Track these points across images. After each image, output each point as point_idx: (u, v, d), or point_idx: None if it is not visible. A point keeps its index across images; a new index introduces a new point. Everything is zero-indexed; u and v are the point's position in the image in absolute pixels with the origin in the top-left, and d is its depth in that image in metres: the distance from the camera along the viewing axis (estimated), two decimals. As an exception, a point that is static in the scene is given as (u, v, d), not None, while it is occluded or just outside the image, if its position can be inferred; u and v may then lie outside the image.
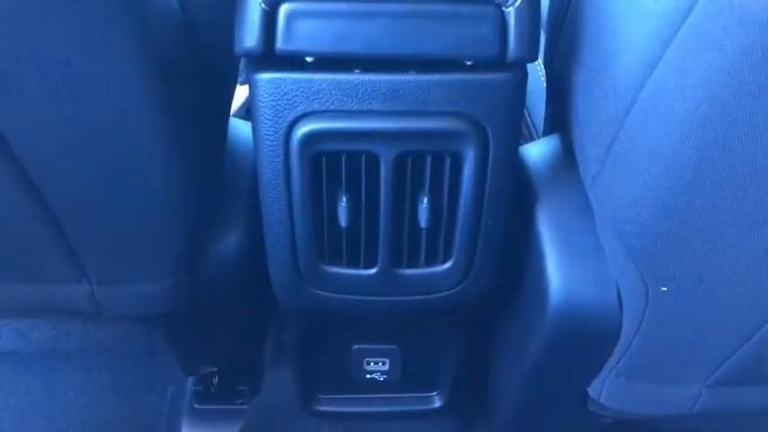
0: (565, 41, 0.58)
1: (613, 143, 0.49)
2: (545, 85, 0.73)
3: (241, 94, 0.95)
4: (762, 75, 0.37)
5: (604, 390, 0.64)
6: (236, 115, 0.84)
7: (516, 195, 0.61)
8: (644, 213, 0.48)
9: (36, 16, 0.42)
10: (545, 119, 0.74)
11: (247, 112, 0.94)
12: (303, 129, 0.53)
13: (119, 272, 0.64)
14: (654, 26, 0.42)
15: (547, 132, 0.73)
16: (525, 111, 0.97)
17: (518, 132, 0.55)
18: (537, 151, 0.66)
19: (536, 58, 0.52)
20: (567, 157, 0.62)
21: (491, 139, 0.54)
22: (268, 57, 0.51)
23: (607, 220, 0.53)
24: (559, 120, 0.64)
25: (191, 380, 0.97)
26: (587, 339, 0.60)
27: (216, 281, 0.69)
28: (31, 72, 0.45)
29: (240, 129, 0.72)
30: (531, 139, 0.96)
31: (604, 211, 0.53)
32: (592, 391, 0.66)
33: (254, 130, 0.55)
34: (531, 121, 0.97)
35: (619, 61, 0.47)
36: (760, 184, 0.41)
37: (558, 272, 0.58)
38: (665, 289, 0.52)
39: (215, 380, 0.96)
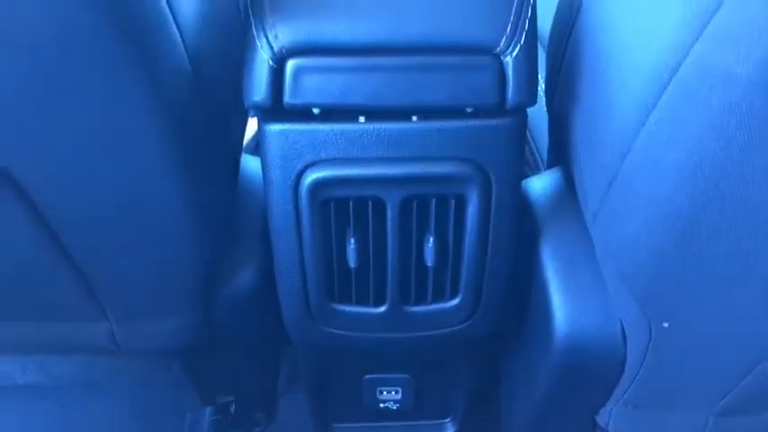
0: (563, 84, 0.59)
1: (611, 186, 0.50)
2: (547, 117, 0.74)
3: (253, 126, 0.97)
4: (748, 130, 0.38)
5: (612, 418, 0.65)
6: (247, 147, 0.86)
7: (521, 230, 0.62)
8: (642, 255, 0.49)
9: (59, 77, 0.45)
10: (548, 152, 0.75)
11: (257, 146, 0.97)
12: (311, 176, 0.55)
13: (137, 311, 0.66)
14: (646, 78, 0.44)
15: (550, 164, 0.75)
16: (530, 137, 0.98)
17: (520, 174, 0.57)
18: (540, 185, 0.67)
19: (535, 103, 0.54)
20: (570, 190, 0.64)
21: (493, 182, 0.56)
22: (276, 109, 0.53)
23: (608, 258, 0.55)
24: (561, 155, 0.66)
25: (208, 408, 0.99)
26: (593, 370, 0.61)
27: (231, 316, 0.71)
28: (52, 124, 0.47)
29: (251, 164, 0.74)
30: (536, 165, 0.98)
31: (605, 249, 0.55)
32: (600, 419, 0.67)
33: (265, 176, 0.57)
34: (536, 148, 0.98)
35: (614, 108, 0.49)
36: (754, 233, 0.42)
37: (563, 306, 0.59)
38: (666, 325, 0.53)
39: (232, 408, 0.98)
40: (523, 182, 0.67)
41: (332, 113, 0.53)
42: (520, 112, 0.54)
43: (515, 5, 0.51)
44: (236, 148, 0.72)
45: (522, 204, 0.65)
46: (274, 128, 0.54)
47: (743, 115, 0.38)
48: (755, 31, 0.36)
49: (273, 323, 0.72)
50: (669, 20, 0.41)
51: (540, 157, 0.96)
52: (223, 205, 0.67)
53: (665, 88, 0.42)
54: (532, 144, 0.98)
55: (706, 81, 0.39)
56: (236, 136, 0.71)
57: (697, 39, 0.38)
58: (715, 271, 0.46)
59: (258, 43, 0.51)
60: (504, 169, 0.55)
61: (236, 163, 0.72)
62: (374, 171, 0.55)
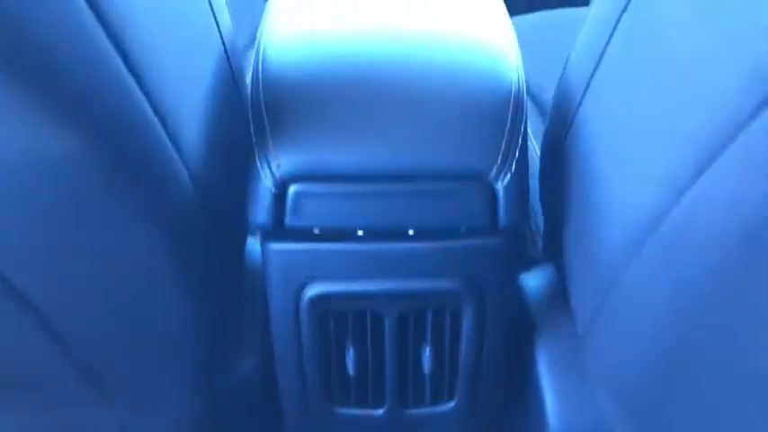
0: (557, 194, 0.61)
1: (598, 314, 0.52)
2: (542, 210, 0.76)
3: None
4: (726, 286, 0.40)
5: None
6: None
7: (516, 328, 0.64)
8: (626, 380, 0.51)
9: (70, 214, 0.47)
10: (543, 240, 0.77)
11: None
12: (311, 292, 0.57)
13: (144, 401, 0.68)
14: (629, 225, 0.46)
15: (545, 250, 0.76)
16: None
17: (513, 287, 0.59)
18: (535, 283, 0.69)
19: (526, 223, 0.56)
20: (565, 293, 0.66)
21: (488, 296, 0.58)
22: (278, 229, 0.55)
23: (595, 374, 0.57)
24: (555, 254, 0.67)
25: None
26: None
27: (234, 404, 0.72)
28: (56, 245, 0.49)
29: (256, 248, 0.76)
30: (531, 233, 0.99)
31: (592, 365, 0.56)
32: None
33: (267, 288, 0.59)
34: (532, 214, 1.00)
35: (603, 240, 0.51)
36: (739, 374, 0.44)
37: (556, 410, 0.61)
38: None
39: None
40: (519, 277, 0.69)
41: (331, 232, 0.56)
42: (512, 232, 0.56)
43: (506, 134, 0.54)
44: (239, 245, 0.74)
45: (518, 301, 0.66)
46: (276, 246, 0.56)
47: (720, 273, 0.40)
48: (734, 198, 0.38)
49: (275, 410, 0.74)
50: (650, 180, 0.43)
51: (536, 223, 0.97)
52: (227, 294, 0.69)
53: (649, 237, 0.44)
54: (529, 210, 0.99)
55: (684, 237, 0.41)
56: (239, 234, 0.73)
57: (677, 202, 0.40)
58: (700, 401, 0.47)
59: (262, 173, 0.53)
60: (497, 284, 0.57)
61: (240, 254, 0.74)
62: (372, 287, 0.57)
